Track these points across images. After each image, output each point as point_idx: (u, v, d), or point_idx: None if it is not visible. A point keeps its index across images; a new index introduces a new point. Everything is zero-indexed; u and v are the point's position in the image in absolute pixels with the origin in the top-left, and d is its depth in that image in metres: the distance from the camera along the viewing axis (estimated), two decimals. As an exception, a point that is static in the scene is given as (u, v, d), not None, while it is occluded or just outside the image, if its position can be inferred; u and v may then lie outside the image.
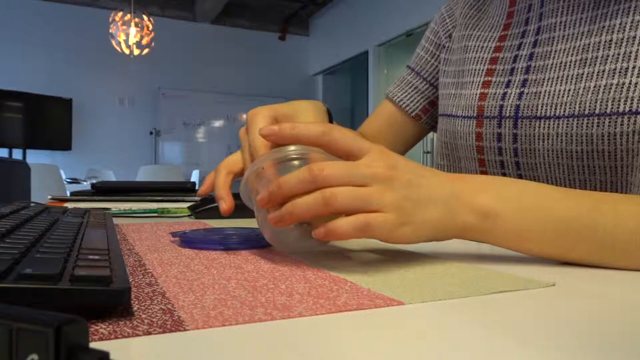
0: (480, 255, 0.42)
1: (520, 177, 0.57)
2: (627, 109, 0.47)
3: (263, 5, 5.83)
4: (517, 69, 0.58)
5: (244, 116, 5.95)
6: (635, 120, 0.46)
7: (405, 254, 0.41)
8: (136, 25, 4.32)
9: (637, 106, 0.46)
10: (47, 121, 4.95)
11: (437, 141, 0.72)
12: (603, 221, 0.36)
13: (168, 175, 4.43)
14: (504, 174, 0.59)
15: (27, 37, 5.05)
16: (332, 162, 0.35)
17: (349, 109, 6.46)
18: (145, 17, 4.34)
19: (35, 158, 4.71)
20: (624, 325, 0.23)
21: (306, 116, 0.47)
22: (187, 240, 0.45)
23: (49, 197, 0.98)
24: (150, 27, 4.36)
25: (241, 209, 0.80)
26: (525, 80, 0.56)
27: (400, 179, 0.36)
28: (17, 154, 4.79)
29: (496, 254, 0.42)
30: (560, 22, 0.55)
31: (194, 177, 4.92)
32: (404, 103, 0.76)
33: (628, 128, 0.47)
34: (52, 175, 3.20)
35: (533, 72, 0.56)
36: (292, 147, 0.38)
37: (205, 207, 0.76)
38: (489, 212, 0.37)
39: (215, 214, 0.75)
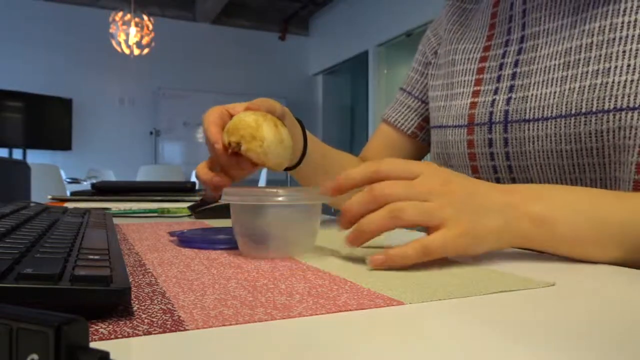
0: (480, 255, 0.42)
1: (513, 180, 0.58)
2: (612, 106, 0.48)
3: (263, 5, 5.83)
4: (504, 75, 0.59)
5: (244, 116, 5.94)
6: (620, 117, 0.47)
7: (405, 254, 0.41)
8: (136, 25, 4.32)
9: (622, 103, 0.47)
10: (47, 121, 4.95)
11: (430, 154, 0.74)
12: None
13: (168, 175, 4.43)
14: (497, 179, 0.59)
15: (27, 37, 5.05)
16: (391, 182, 0.38)
17: (349, 109, 6.46)
18: (145, 17, 4.34)
19: (35, 158, 4.71)
20: (623, 324, 0.23)
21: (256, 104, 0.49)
22: (185, 240, 0.45)
23: (49, 197, 0.98)
24: (150, 27, 4.36)
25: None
26: (512, 86, 0.57)
27: (457, 192, 0.38)
28: (17, 154, 4.78)
29: (495, 254, 0.42)
30: (544, 30, 0.56)
31: (194, 177, 4.91)
32: (398, 123, 0.77)
33: (614, 124, 0.48)
34: (52, 175, 3.20)
35: (519, 78, 0.57)
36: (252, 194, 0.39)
37: (205, 207, 0.76)
38: (545, 219, 0.38)
39: (215, 214, 0.75)
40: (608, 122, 0.48)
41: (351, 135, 6.39)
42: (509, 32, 0.61)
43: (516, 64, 0.58)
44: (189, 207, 0.78)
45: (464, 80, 0.65)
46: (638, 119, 0.46)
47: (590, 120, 0.49)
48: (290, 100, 5.91)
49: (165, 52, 5.47)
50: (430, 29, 0.78)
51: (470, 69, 0.64)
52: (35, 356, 0.13)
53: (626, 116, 0.47)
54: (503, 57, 0.60)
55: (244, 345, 0.20)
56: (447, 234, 0.36)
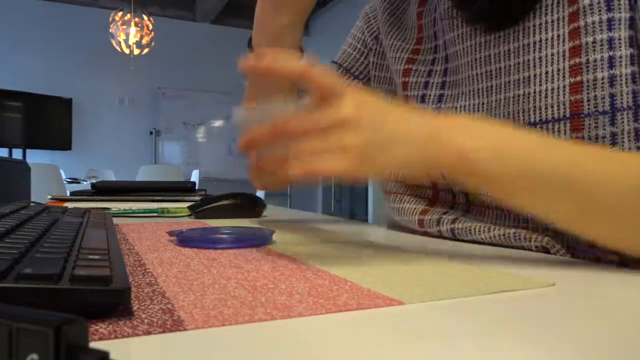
0: (480, 255, 0.42)
1: (460, 191, 0.55)
2: (537, 118, 0.45)
3: (263, 5, 5.83)
4: (432, 84, 0.56)
5: (244, 116, 5.94)
6: (547, 128, 0.45)
7: (405, 254, 0.41)
8: (136, 25, 4.32)
9: (546, 115, 0.45)
10: (47, 121, 4.95)
11: None
12: (584, 179, 0.35)
13: (168, 175, 4.43)
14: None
15: (27, 37, 5.05)
16: (297, 118, 0.37)
17: (349, 109, 6.46)
18: (145, 17, 4.34)
19: (35, 158, 4.71)
20: (623, 325, 0.23)
21: None
22: (185, 240, 0.45)
23: (49, 197, 0.98)
24: (150, 26, 4.36)
25: (239, 209, 0.80)
26: (441, 96, 0.55)
27: (364, 119, 0.36)
28: (17, 154, 4.79)
29: (496, 254, 0.42)
30: (458, 35, 0.53)
31: (194, 177, 4.91)
32: None
33: None
34: (52, 175, 3.19)
35: (449, 88, 0.54)
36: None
37: (205, 207, 0.76)
38: (468, 154, 0.36)
39: (215, 213, 0.75)
40: None
41: (351, 135, 6.39)
42: (435, 37, 0.57)
43: (445, 73, 0.55)
44: (189, 207, 0.78)
45: (397, 82, 0.61)
46: (565, 130, 0.44)
47: None
48: (290, 100, 5.90)
49: (165, 52, 5.47)
50: (369, 7, 0.71)
51: (397, 70, 0.61)
52: (35, 356, 0.13)
53: (554, 127, 0.44)
54: (432, 63, 0.57)
55: (244, 345, 0.20)
56: (342, 161, 0.35)
